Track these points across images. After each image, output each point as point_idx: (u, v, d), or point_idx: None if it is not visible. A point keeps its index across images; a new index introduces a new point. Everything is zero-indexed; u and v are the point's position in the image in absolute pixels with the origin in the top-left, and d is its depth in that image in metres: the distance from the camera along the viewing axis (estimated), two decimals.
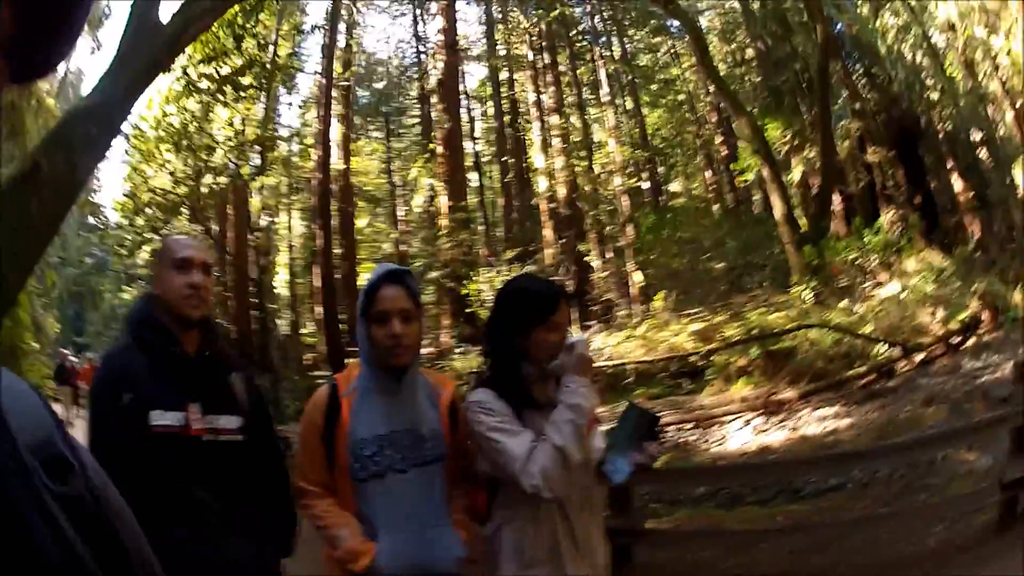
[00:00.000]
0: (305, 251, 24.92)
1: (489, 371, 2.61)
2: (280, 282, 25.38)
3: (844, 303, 12.12)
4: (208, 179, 19.50)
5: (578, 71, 21.10)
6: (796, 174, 15.29)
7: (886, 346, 10.76)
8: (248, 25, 11.82)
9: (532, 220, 21.22)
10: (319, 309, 22.35)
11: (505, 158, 22.53)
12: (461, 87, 23.77)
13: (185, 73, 13.99)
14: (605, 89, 20.36)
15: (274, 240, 25.71)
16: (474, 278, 19.38)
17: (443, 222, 21.28)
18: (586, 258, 19.25)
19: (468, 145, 24.93)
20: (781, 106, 15.08)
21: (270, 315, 22.69)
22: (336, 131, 22.64)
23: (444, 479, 2.59)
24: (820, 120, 13.30)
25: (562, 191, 20.65)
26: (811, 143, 14.27)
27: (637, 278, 18.33)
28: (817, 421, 10.13)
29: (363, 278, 26.18)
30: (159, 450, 2.33)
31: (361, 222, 25.75)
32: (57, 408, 2.23)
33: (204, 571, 2.31)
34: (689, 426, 11.42)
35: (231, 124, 19.33)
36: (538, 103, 21.15)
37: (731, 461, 10.17)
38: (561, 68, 21.44)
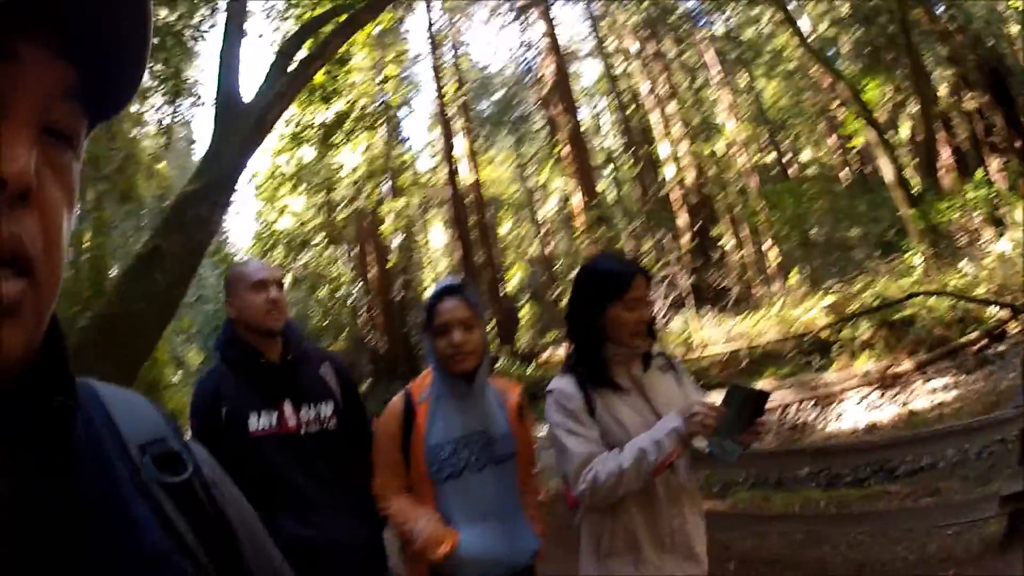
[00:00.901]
0: (450, 265, 25.99)
1: (572, 356, 2.58)
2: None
3: (962, 263, 11.26)
4: (339, 211, 21.15)
5: (684, 55, 20.70)
6: (903, 131, 14.17)
7: (996, 308, 9.91)
8: (337, 78, 12.50)
9: (666, 209, 21.06)
10: None
11: (634, 149, 22.53)
12: (579, 85, 24.15)
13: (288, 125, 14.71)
14: (716, 68, 19.80)
15: (415, 258, 26.93)
16: None
17: (579, 221, 21.74)
18: (720, 242, 18.89)
19: (598, 141, 25.22)
20: (879, 62, 13.99)
21: (418, 329, 24.20)
22: (462, 145, 23.44)
23: (516, 475, 2.69)
24: (913, 71, 12.30)
25: (689, 177, 20.36)
26: (913, 97, 13.18)
27: (773, 255, 17.75)
28: (928, 393, 9.80)
29: (512, 283, 27.31)
30: (260, 450, 2.56)
31: (504, 228, 26.77)
32: None
33: (310, 553, 2.52)
34: (810, 404, 11.17)
35: (342, 166, 20.49)
36: (653, 92, 20.98)
37: (840, 440, 10.00)
38: (670, 55, 21.11)
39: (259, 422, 2.58)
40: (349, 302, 25.73)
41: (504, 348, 22.13)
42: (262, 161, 20.60)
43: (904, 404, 9.86)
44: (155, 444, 0.64)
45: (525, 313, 25.23)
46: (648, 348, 2.54)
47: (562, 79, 22.06)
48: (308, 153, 19.64)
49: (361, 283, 25.53)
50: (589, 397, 2.42)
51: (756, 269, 18.24)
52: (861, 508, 6.32)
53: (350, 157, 20.96)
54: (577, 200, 21.87)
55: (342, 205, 22.92)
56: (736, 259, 18.89)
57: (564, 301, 20.06)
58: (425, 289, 26.51)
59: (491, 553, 2.55)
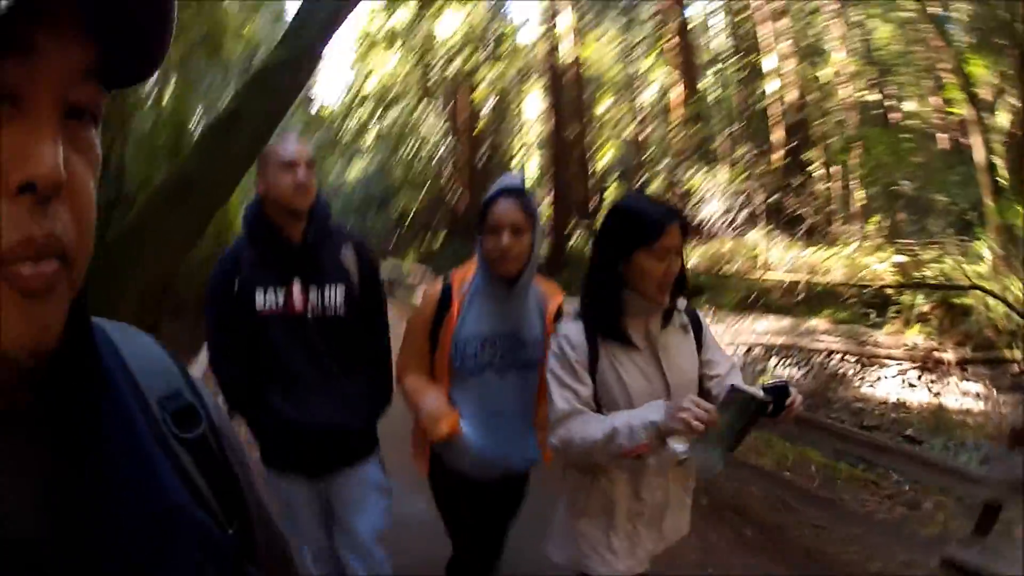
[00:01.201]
0: (539, 136, 26.06)
1: (585, 301, 2.37)
2: (515, 166, 26.20)
3: None
4: (433, 73, 21.04)
5: None
6: (1000, 119, 13.56)
7: None
8: None
9: (763, 121, 20.76)
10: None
11: (740, 55, 21.88)
12: None
13: None
14: None
15: (506, 126, 27.01)
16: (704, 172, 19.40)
17: (675, 114, 21.62)
18: (809, 168, 18.79)
19: (705, 41, 24.41)
20: (988, 43, 13.18)
21: None
22: (568, 20, 22.90)
23: (538, 384, 2.65)
24: (1019, 63, 11.82)
25: (791, 96, 19.89)
26: (1015, 88, 12.57)
27: (858, 196, 17.60)
28: (960, 394, 9.93)
29: (602, 162, 27.43)
30: (266, 328, 2.63)
31: (600, 108, 26.44)
32: None
33: (293, 433, 2.66)
34: (853, 359, 11.49)
35: (437, 31, 20.22)
36: (767, 4, 20.05)
37: (869, 405, 10.13)
38: None
39: (266, 300, 2.63)
40: (433, 162, 26.26)
41: (583, 224, 22.67)
42: (359, 18, 20.49)
43: (936, 395, 10.03)
44: (173, 399, 0.67)
45: (610, 192, 25.28)
46: (672, 305, 2.35)
47: None
48: (405, 15, 19.60)
49: (447, 143, 25.89)
50: (595, 350, 2.27)
51: (838, 204, 18.16)
52: (840, 492, 6.37)
53: (449, 21, 20.77)
54: (677, 93, 21.67)
55: (437, 67, 23.01)
56: (821, 189, 18.78)
57: (650, 188, 19.90)
58: (511, 157, 26.90)
59: (490, 452, 2.63)
